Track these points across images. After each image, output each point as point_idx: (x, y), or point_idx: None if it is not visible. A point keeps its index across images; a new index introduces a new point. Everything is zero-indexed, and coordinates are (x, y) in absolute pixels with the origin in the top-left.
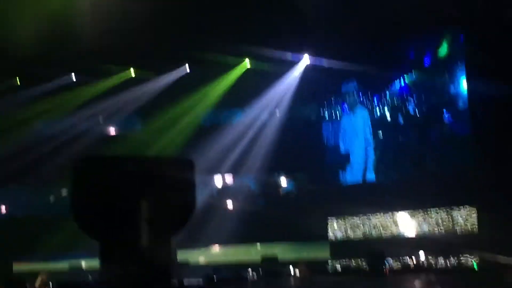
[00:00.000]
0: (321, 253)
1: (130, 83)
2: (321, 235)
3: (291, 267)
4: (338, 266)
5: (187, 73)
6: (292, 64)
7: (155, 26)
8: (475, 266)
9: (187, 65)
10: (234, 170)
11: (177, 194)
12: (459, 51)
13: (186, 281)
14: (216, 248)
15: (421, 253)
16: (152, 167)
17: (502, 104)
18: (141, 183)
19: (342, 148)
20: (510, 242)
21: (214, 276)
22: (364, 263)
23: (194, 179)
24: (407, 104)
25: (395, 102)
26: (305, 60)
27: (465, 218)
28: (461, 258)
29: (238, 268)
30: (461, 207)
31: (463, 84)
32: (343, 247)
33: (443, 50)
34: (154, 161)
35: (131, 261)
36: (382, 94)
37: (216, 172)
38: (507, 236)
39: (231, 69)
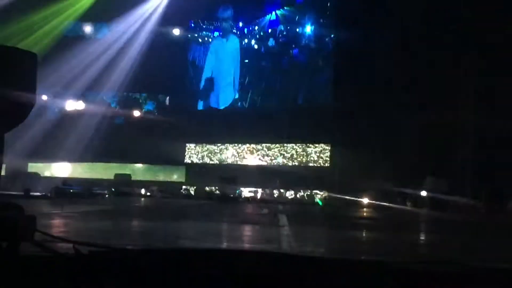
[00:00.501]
0: (177, 176)
1: None
2: (179, 159)
3: (142, 189)
4: (191, 190)
5: None
6: None
7: None
8: (320, 203)
9: None
10: (96, 86)
11: (16, 86)
12: None
13: (32, 192)
14: (69, 164)
15: (273, 184)
16: None
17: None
18: None
19: (210, 72)
20: (358, 178)
21: (62, 188)
22: (216, 189)
23: (35, 72)
24: (271, 37)
25: (263, 33)
26: None
27: (318, 154)
28: (312, 192)
29: (91, 184)
30: (317, 144)
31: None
32: (198, 173)
33: None
34: None
35: None
36: (253, 25)
37: (76, 86)
38: (355, 173)
39: None
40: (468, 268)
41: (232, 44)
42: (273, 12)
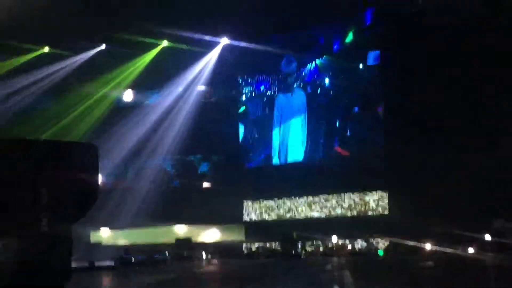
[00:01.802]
0: (236, 235)
1: (45, 61)
2: (237, 217)
3: (203, 252)
4: (253, 249)
5: (103, 52)
6: (210, 46)
7: (72, 3)
8: (380, 253)
9: (104, 44)
10: (151, 152)
11: (78, 180)
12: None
13: (97, 263)
14: (131, 230)
15: (333, 236)
16: (52, 152)
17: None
18: (41, 168)
19: (272, 128)
20: (419, 226)
21: (125, 257)
22: (278, 246)
23: (97, 164)
24: (321, 88)
25: (311, 85)
26: (223, 42)
27: (376, 202)
28: (372, 242)
29: (152, 250)
30: (374, 192)
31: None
32: (258, 230)
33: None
34: (54, 145)
35: (32, 246)
36: (303, 77)
37: (133, 153)
38: (416, 221)
39: (149, 49)
40: None
41: (299, 97)
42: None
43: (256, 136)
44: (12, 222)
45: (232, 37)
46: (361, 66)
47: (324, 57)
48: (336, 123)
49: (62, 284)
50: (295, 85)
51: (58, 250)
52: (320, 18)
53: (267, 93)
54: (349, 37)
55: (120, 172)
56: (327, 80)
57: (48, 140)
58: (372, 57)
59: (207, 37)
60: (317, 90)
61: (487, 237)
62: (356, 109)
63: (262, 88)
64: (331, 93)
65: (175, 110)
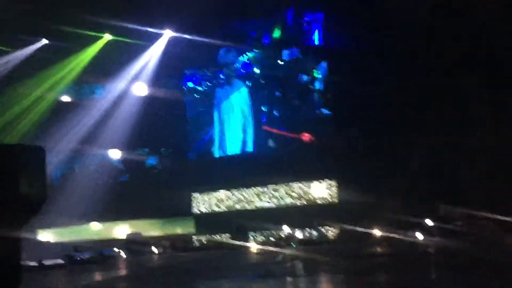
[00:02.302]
0: (186, 228)
1: None
2: (186, 210)
3: (153, 247)
4: (204, 241)
5: (44, 47)
6: (153, 38)
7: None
8: (333, 237)
9: (44, 39)
10: (97, 148)
11: (26, 183)
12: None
13: (47, 262)
14: (80, 226)
15: (284, 226)
16: None
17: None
18: None
19: (215, 121)
20: (367, 213)
21: (75, 255)
22: (228, 237)
23: (45, 166)
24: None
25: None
26: (166, 34)
27: (325, 191)
28: (321, 229)
29: (102, 246)
30: (321, 180)
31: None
32: (207, 222)
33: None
34: None
35: None
36: (241, 69)
37: (77, 148)
38: (364, 208)
39: (90, 43)
40: None
41: (235, 89)
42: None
43: (201, 128)
44: None
45: (176, 29)
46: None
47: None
48: (277, 114)
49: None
50: (234, 77)
51: (7, 254)
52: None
53: (209, 85)
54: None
55: (66, 170)
56: (262, 72)
57: None
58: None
59: (151, 29)
60: (257, 81)
61: (433, 222)
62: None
63: (204, 80)
64: (268, 84)
65: (120, 104)
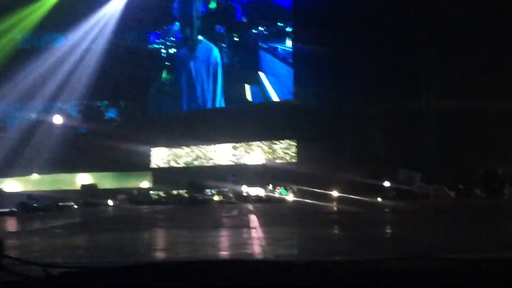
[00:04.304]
0: (144, 182)
1: None
2: (144, 165)
3: (109, 199)
4: (161, 195)
5: None
6: None
7: None
8: (284, 192)
9: None
10: (55, 96)
11: None
12: None
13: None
14: (34, 177)
15: (242, 184)
16: None
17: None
18: None
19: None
20: (325, 174)
21: (28, 202)
22: (184, 192)
23: None
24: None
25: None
26: None
27: (285, 151)
28: (277, 188)
29: (57, 197)
30: (282, 141)
31: None
32: (165, 177)
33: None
34: None
35: None
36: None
37: (36, 98)
38: (322, 169)
39: None
40: (440, 261)
41: (203, 49)
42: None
43: (167, 84)
44: None
45: None
46: None
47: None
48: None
49: None
50: (199, 35)
51: None
52: None
53: (173, 41)
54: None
55: (24, 118)
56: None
57: None
58: None
59: None
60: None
61: (391, 184)
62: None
63: (170, 36)
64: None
65: (81, 54)
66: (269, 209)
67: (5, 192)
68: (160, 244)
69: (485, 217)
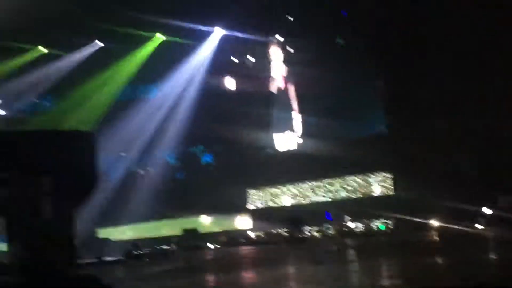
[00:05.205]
0: (242, 224)
1: (41, 62)
2: (241, 206)
3: (208, 243)
4: (259, 235)
5: (99, 49)
6: (204, 37)
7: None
8: (381, 228)
9: (97, 41)
10: (153, 145)
11: (77, 167)
12: None
13: (105, 257)
14: (137, 224)
15: (340, 219)
16: (51, 140)
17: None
18: (39, 157)
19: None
20: (423, 205)
21: (133, 251)
22: (284, 231)
23: (95, 150)
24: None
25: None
26: (217, 33)
27: (380, 183)
28: (375, 222)
29: (160, 243)
30: (377, 173)
31: None
32: (263, 217)
33: None
34: (53, 134)
35: (34, 235)
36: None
37: (135, 147)
38: (419, 201)
39: (144, 43)
40: None
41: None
42: None
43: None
44: (15, 209)
45: (226, 26)
46: None
47: None
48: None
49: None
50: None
51: (63, 230)
52: None
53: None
54: None
55: (125, 171)
56: None
57: (46, 129)
58: None
59: (201, 28)
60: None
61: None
62: None
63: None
64: None
65: (175, 103)
66: (377, 243)
67: (111, 241)
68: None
69: None
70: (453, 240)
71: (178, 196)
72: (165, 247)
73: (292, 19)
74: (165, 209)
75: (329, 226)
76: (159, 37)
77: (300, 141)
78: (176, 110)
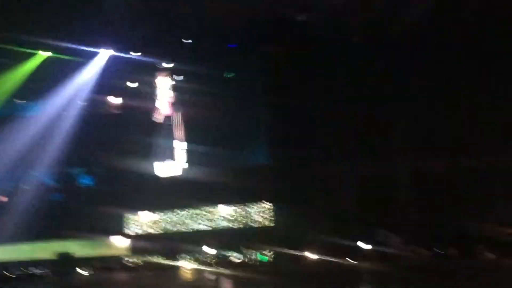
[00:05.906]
0: (118, 249)
1: None
2: (119, 231)
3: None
4: (136, 261)
5: None
6: (91, 57)
7: None
8: (263, 259)
9: None
10: (29, 164)
11: None
12: None
13: None
14: (8, 245)
15: (216, 247)
16: None
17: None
18: None
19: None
20: (302, 236)
21: (3, 273)
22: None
23: None
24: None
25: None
26: (105, 53)
27: (260, 213)
28: (254, 252)
29: (32, 266)
30: (257, 203)
31: None
32: (140, 243)
33: None
34: None
35: None
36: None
37: (9, 165)
38: (299, 231)
39: (25, 60)
40: None
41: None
42: None
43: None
44: None
45: (114, 47)
46: None
47: None
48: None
49: None
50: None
51: None
52: None
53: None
54: None
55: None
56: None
57: None
58: None
59: (89, 48)
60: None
61: (369, 246)
62: None
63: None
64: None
65: (56, 122)
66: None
67: None
68: None
69: None
70: (326, 273)
71: (53, 218)
72: (37, 271)
73: (182, 47)
74: (38, 231)
75: (208, 255)
76: (43, 54)
77: (185, 168)
78: (56, 130)
